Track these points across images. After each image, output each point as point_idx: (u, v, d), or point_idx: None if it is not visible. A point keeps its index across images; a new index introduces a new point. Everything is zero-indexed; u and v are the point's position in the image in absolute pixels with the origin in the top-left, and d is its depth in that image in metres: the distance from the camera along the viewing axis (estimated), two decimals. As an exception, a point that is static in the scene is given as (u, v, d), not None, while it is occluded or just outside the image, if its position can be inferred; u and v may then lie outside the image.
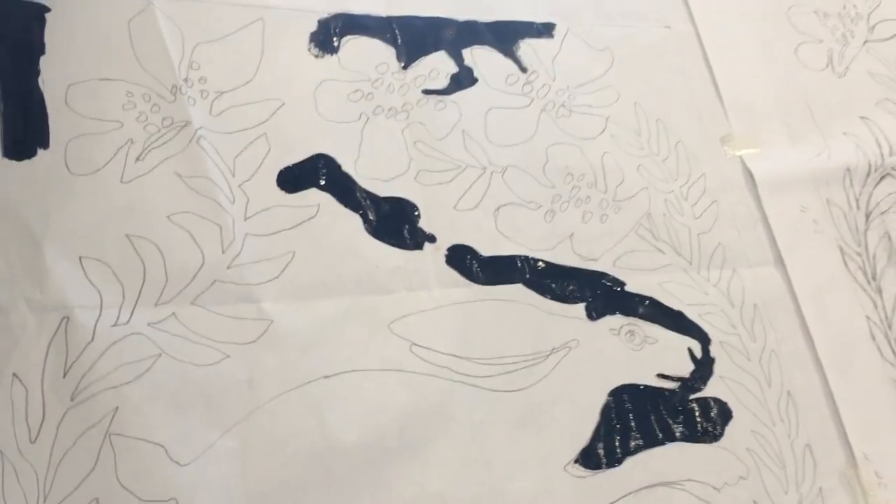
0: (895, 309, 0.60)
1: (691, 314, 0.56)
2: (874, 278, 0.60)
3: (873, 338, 0.58)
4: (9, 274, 0.45)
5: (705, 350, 0.55)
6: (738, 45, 0.67)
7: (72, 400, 0.43)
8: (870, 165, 0.64)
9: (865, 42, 0.70)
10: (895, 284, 0.60)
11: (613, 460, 0.50)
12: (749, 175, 0.62)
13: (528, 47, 0.61)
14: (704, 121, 0.63)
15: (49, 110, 0.50)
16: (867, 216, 0.62)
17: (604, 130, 0.60)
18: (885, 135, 0.66)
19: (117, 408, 0.44)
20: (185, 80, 0.52)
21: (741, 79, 0.65)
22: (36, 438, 0.43)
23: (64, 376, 0.44)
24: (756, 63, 0.66)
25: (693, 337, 0.55)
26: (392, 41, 0.58)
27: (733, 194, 0.61)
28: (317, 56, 0.56)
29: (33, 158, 0.48)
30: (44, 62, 0.51)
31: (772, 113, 0.65)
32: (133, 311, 0.46)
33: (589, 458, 0.50)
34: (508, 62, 0.60)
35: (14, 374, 0.43)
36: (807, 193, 0.62)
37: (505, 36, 0.61)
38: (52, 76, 0.50)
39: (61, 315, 0.45)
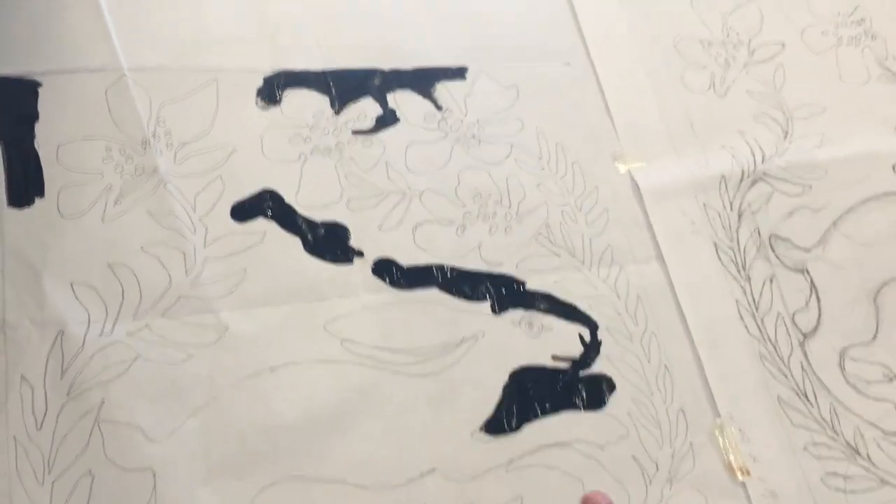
0: (762, 293, 0.70)
1: (582, 306, 0.67)
2: (744, 268, 0.71)
3: (741, 318, 0.69)
4: (16, 298, 0.57)
5: (593, 335, 0.66)
6: (630, 76, 0.78)
7: (68, 395, 0.55)
8: (743, 172, 0.75)
9: (746, 65, 0.81)
10: (763, 273, 0.71)
11: (512, 427, 0.61)
12: (636, 186, 0.73)
13: (443, 89, 0.73)
14: (598, 142, 0.74)
15: (44, 166, 0.61)
16: (739, 216, 0.73)
17: (509, 155, 0.71)
18: (760, 145, 0.77)
19: (104, 400, 0.55)
20: (154, 134, 0.64)
21: (631, 105, 0.76)
22: (41, 426, 0.54)
23: (61, 377, 0.55)
24: (645, 90, 0.77)
25: (583, 324, 0.66)
26: (327, 91, 0.70)
27: (622, 203, 0.72)
28: (263, 108, 0.68)
29: (32, 206, 0.60)
30: (38, 127, 0.63)
31: (658, 132, 0.76)
32: (115, 324, 0.58)
33: (492, 427, 0.61)
34: (427, 103, 0.72)
35: (22, 376, 0.55)
36: (686, 199, 0.73)
37: (424, 80, 0.73)
38: (45, 138, 0.62)
39: (58, 329, 0.56)
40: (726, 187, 0.74)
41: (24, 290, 0.57)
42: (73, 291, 0.58)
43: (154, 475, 0.54)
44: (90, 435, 0.54)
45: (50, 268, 0.58)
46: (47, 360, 0.55)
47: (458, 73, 0.74)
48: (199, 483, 0.55)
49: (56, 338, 0.56)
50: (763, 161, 0.76)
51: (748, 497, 0.62)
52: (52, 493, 0.52)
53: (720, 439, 0.64)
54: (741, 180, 0.74)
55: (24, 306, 0.57)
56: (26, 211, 0.60)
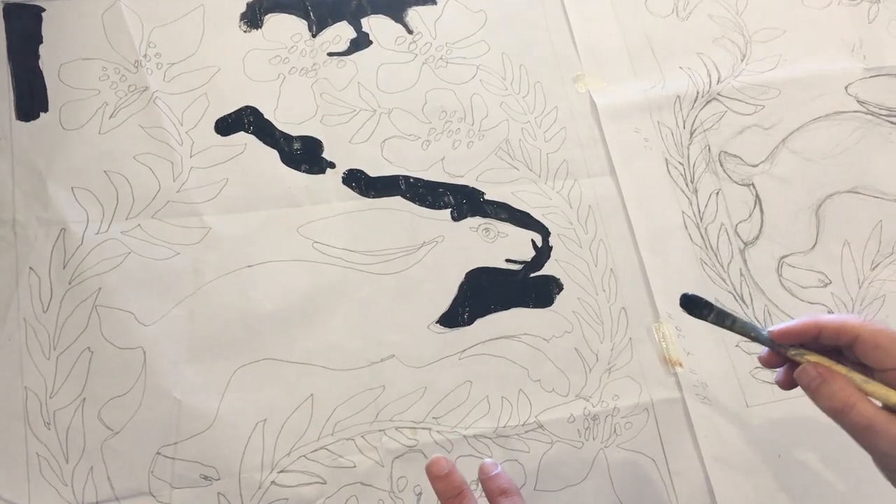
0: (707, 205, 0.75)
1: (536, 214, 0.73)
2: (692, 182, 0.76)
3: (686, 227, 0.74)
4: (25, 201, 0.65)
5: (545, 241, 0.72)
6: (594, 2, 0.82)
7: (69, 284, 0.63)
8: (698, 92, 0.79)
9: (711, -11, 0.84)
10: (710, 186, 0.76)
11: (466, 321, 0.68)
12: (594, 106, 0.78)
13: (414, 13, 0.78)
14: (561, 65, 0.79)
15: (47, 84, 0.68)
16: (692, 133, 0.78)
17: (474, 76, 0.77)
18: (717, 66, 0.81)
19: (100, 288, 0.63)
20: (145, 56, 0.71)
21: (594, 29, 0.81)
22: (47, 309, 0.62)
23: (63, 268, 0.63)
24: (608, 15, 0.82)
25: (536, 231, 0.72)
26: (305, 16, 0.76)
27: (580, 121, 0.77)
28: (245, 31, 0.74)
29: (37, 120, 0.67)
30: (42, 49, 0.70)
31: (618, 55, 0.80)
32: (110, 223, 0.65)
33: (447, 320, 0.68)
34: (398, 26, 0.77)
35: (30, 268, 0.63)
36: (641, 118, 0.78)
37: (396, 5, 0.78)
38: (49, 59, 0.69)
39: (60, 227, 0.64)
40: (680, 106, 0.78)
41: (31, 194, 0.65)
42: (74, 195, 0.65)
43: (144, 353, 0.62)
44: (89, 318, 0.62)
45: (54, 174, 0.66)
46: (51, 253, 0.63)
47: (430, -2, 0.79)
48: (183, 361, 0.63)
49: (59, 234, 0.64)
50: (718, 82, 0.80)
51: (679, 386, 0.68)
52: (56, 366, 0.61)
53: (656, 335, 0.70)
54: (695, 100, 0.79)
55: (31, 207, 0.64)
56: (33, 124, 0.67)
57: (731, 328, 0.54)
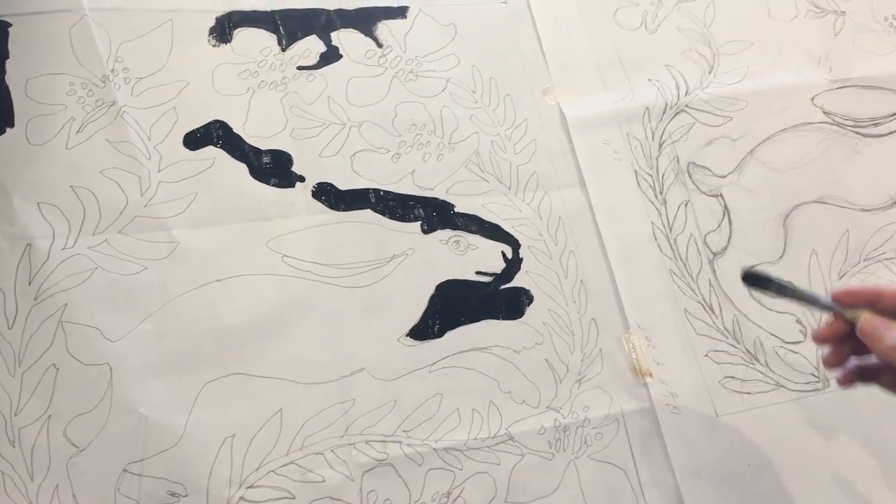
0: (676, 216, 0.76)
1: (506, 226, 0.73)
2: (661, 193, 0.77)
3: (655, 238, 0.75)
4: (-11, 217, 0.64)
5: (515, 252, 0.72)
6: (563, 15, 0.82)
7: (35, 300, 0.62)
8: (666, 104, 0.80)
9: (677, 3, 0.85)
10: (679, 197, 0.77)
11: (436, 333, 0.68)
12: (564, 118, 0.78)
13: (384, 27, 0.78)
14: (531, 77, 0.79)
15: (14, 99, 0.68)
16: (660, 145, 0.78)
17: (444, 89, 0.77)
18: (685, 78, 0.82)
19: (66, 304, 0.63)
20: (112, 70, 0.71)
21: (564, 42, 0.81)
22: (12, 326, 0.62)
23: (29, 284, 0.63)
24: (577, 28, 0.82)
25: (506, 243, 0.72)
26: (275, 30, 0.76)
27: (549, 133, 0.77)
28: (214, 45, 0.74)
29: (3, 135, 0.67)
30: (9, 64, 0.69)
31: (588, 68, 0.81)
32: (77, 239, 0.65)
33: (417, 333, 0.68)
34: (368, 40, 0.77)
35: (-5, 284, 0.63)
36: (610, 129, 0.78)
37: (366, 19, 0.78)
38: (15, 74, 0.69)
39: (26, 243, 0.64)
40: (649, 118, 0.79)
41: (-4, 209, 0.64)
42: (40, 210, 0.65)
43: (111, 369, 0.62)
44: (55, 334, 0.62)
45: (19, 189, 0.65)
46: (17, 269, 0.63)
47: (400, 12, 0.79)
48: (150, 376, 0.62)
49: (24, 250, 0.63)
50: (687, 94, 0.81)
51: (650, 396, 0.69)
52: (21, 383, 0.60)
53: (627, 346, 0.70)
54: (664, 112, 0.79)
55: (-4, 223, 0.64)
56: (-2, 139, 0.67)
57: (791, 297, 0.56)
